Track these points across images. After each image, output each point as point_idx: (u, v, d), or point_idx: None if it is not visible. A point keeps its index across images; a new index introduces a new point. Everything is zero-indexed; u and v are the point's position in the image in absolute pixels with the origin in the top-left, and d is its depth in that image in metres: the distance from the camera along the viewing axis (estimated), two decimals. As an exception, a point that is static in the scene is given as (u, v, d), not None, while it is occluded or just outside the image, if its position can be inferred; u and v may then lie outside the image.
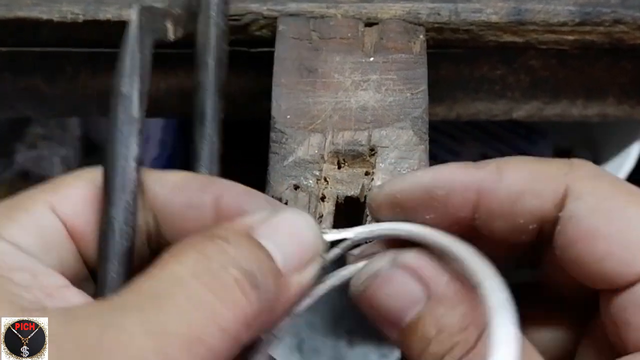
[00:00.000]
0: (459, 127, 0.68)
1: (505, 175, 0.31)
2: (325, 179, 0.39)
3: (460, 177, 0.31)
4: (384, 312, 0.31)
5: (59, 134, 0.71)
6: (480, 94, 0.51)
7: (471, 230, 0.32)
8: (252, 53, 0.49)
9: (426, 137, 0.40)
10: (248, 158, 0.63)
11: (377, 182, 0.39)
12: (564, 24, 0.47)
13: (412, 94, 0.42)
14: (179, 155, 0.64)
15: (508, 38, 0.47)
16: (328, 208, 0.38)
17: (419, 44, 0.44)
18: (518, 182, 0.31)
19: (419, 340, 0.30)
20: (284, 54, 0.44)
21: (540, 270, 0.34)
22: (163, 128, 0.66)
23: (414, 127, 0.41)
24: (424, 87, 0.42)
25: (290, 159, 0.40)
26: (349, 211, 0.39)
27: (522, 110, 0.52)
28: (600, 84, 0.51)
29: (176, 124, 0.65)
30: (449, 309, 0.30)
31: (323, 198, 0.38)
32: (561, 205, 0.31)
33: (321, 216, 0.38)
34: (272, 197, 0.38)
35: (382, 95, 0.42)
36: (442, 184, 0.31)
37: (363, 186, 0.39)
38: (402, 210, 0.32)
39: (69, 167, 0.70)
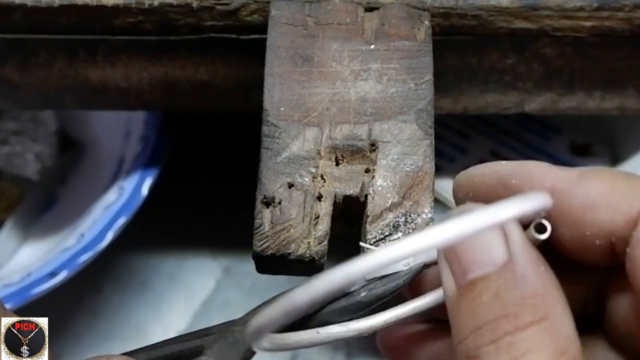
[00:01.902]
0: (466, 121, 0.68)
1: (585, 182, 0.31)
2: (322, 177, 0.39)
3: (539, 171, 0.32)
4: (455, 257, 0.31)
5: (32, 128, 0.71)
6: (490, 85, 0.51)
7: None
8: (242, 40, 0.48)
9: (431, 131, 0.40)
10: (239, 153, 0.63)
11: (379, 180, 0.39)
12: (581, 8, 0.47)
13: (416, 84, 0.42)
14: (162, 152, 0.64)
15: (520, 24, 0.47)
16: (325, 208, 0.38)
17: (423, 30, 0.44)
18: (595, 192, 0.31)
19: (469, 300, 0.30)
20: (277, 41, 0.44)
21: (609, 313, 0.34)
22: (145, 122, 0.66)
23: (418, 121, 0.40)
24: (429, 77, 0.42)
25: (284, 154, 0.39)
26: (348, 211, 0.39)
27: (535, 103, 0.52)
28: (620, 74, 0.50)
29: (160, 118, 0.65)
30: (519, 283, 0.30)
31: (320, 197, 0.38)
32: (634, 223, 0.30)
33: (317, 217, 0.38)
34: (264, 197, 0.38)
35: (384, 86, 0.42)
36: (519, 174, 0.32)
37: (363, 184, 0.39)
38: (475, 194, 0.33)
39: (44, 164, 0.69)
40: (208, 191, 0.71)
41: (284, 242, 0.37)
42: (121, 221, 0.60)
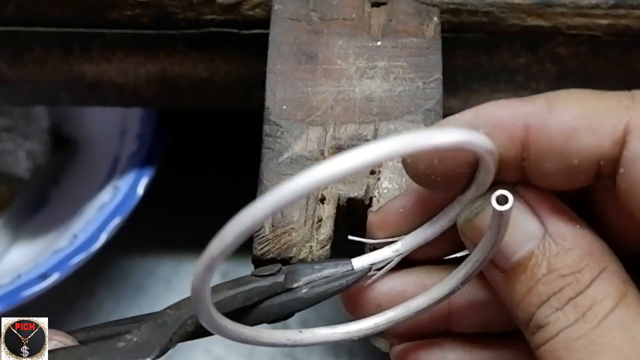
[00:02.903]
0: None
1: (556, 109, 0.31)
2: (325, 178, 0.39)
3: (505, 112, 0.31)
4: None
5: (24, 125, 0.71)
6: (501, 85, 0.51)
7: (520, 180, 0.32)
8: (243, 35, 0.48)
9: (440, 132, 0.40)
10: (239, 153, 0.63)
11: (384, 182, 0.39)
12: (596, 6, 0.47)
13: (424, 83, 0.42)
14: (159, 150, 0.64)
15: (533, 22, 0.47)
16: (328, 211, 0.38)
17: (432, 27, 0.44)
18: (572, 117, 0.30)
19: (525, 280, 0.31)
20: (280, 37, 0.44)
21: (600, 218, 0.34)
22: (142, 120, 0.66)
23: (426, 121, 0.40)
24: (437, 75, 0.42)
25: (286, 155, 0.39)
26: (352, 214, 0.39)
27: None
28: (637, 75, 0.50)
29: (156, 116, 0.65)
30: (565, 248, 0.31)
31: (322, 200, 0.38)
32: (622, 143, 0.30)
33: (320, 220, 0.38)
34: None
35: (391, 85, 0.42)
36: (484, 120, 0.31)
37: (368, 186, 0.39)
38: (441, 160, 0.32)
39: (36, 163, 0.69)
40: (206, 192, 0.71)
41: (285, 246, 0.37)
42: (115, 222, 0.60)
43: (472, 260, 0.32)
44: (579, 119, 0.30)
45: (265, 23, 0.45)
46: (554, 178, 0.31)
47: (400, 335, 0.36)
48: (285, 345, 0.34)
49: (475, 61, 0.50)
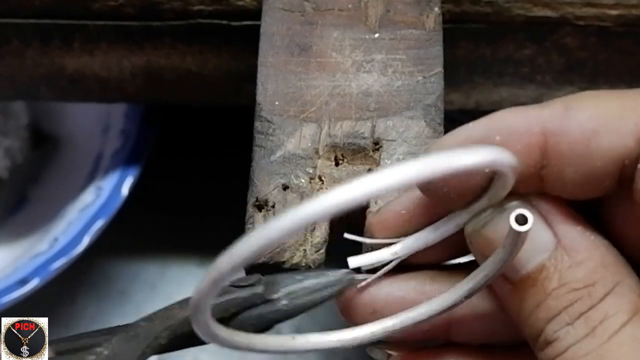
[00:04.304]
0: (479, 118, 0.68)
1: (574, 112, 0.31)
2: (320, 178, 0.39)
3: (520, 119, 0.31)
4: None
5: (1, 121, 0.71)
6: (505, 78, 0.51)
7: (540, 188, 0.32)
8: (233, 27, 0.48)
9: (441, 128, 0.40)
10: (228, 151, 0.63)
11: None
12: (606, -5, 0.47)
13: (424, 77, 0.42)
14: (144, 148, 0.64)
15: (539, 12, 0.47)
16: (323, 212, 0.38)
17: (432, 17, 0.44)
18: (591, 119, 0.31)
19: (534, 294, 0.31)
20: (272, 28, 0.44)
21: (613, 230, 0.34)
22: (126, 115, 0.66)
23: (426, 117, 0.40)
24: (438, 69, 0.42)
25: (279, 153, 0.40)
26: (349, 216, 0.39)
27: (555, 98, 0.52)
28: (648, 67, 0.51)
29: (141, 111, 0.65)
30: (578, 260, 0.31)
31: (317, 200, 0.38)
32: None
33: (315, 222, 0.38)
34: (256, 199, 0.38)
35: (389, 79, 0.42)
36: (500, 128, 0.31)
37: (365, 186, 0.39)
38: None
39: (14, 161, 0.69)
40: (194, 192, 0.71)
41: (278, 250, 0.37)
42: (98, 224, 0.60)
43: (480, 275, 0.32)
44: (598, 120, 0.31)
45: (256, 14, 0.45)
46: (575, 185, 0.31)
47: (398, 345, 0.36)
48: (277, 352, 0.34)
49: (478, 53, 0.50)
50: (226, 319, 0.34)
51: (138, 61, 0.51)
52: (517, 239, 0.29)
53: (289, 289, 0.35)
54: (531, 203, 0.32)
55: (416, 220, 0.35)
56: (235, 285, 0.35)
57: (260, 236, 0.26)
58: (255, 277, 0.35)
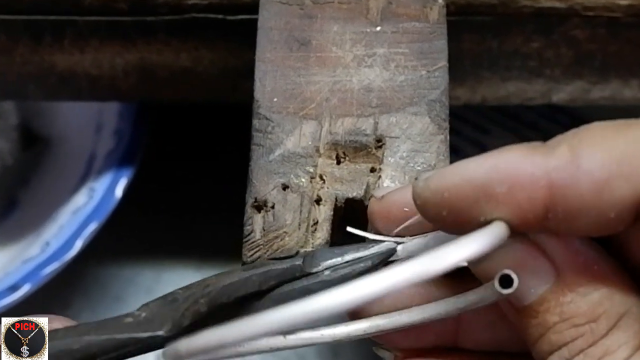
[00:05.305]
0: (485, 113, 0.68)
1: (583, 159, 0.30)
2: (321, 177, 0.39)
3: (524, 168, 0.30)
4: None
5: (-10, 122, 0.71)
6: (512, 72, 0.51)
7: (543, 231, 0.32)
8: (229, 21, 0.48)
9: (446, 124, 0.40)
10: (226, 150, 0.63)
11: (386, 180, 0.39)
12: (616, -15, 0.47)
13: (428, 71, 0.42)
14: (138, 148, 0.64)
15: (547, 3, 0.47)
16: (324, 213, 0.38)
17: (436, 9, 0.44)
18: (602, 168, 0.29)
19: (537, 325, 0.31)
20: (270, 22, 0.44)
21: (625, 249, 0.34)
22: (119, 114, 0.66)
23: (430, 113, 0.40)
24: (442, 63, 0.42)
25: (278, 152, 0.40)
26: (351, 216, 0.39)
27: (564, 93, 0.52)
28: (660, 60, 0.51)
29: (135, 110, 0.65)
30: (579, 295, 0.31)
31: (318, 200, 0.38)
32: None
33: (316, 223, 0.38)
34: (255, 200, 0.38)
35: (391, 74, 0.42)
36: (501, 178, 0.30)
37: (368, 185, 0.39)
38: (451, 211, 0.31)
39: (4, 162, 0.69)
40: (191, 193, 0.71)
41: (278, 252, 0.38)
42: (91, 227, 0.60)
43: (472, 298, 0.33)
44: (610, 168, 0.29)
45: (253, 7, 0.45)
46: (583, 233, 0.31)
47: (405, 349, 0.36)
48: (269, 351, 0.34)
49: (484, 46, 0.50)
50: (265, 291, 0.35)
51: (131, 58, 0.51)
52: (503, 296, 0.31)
53: (328, 263, 0.36)
54: (532, 237, 0.32)
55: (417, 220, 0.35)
56: (274, 258, 0.35)
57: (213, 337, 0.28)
58: (293, 250, 0.36)
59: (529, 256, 0.31)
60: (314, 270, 0.35)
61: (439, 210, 0.31)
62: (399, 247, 0.35)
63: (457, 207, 0.31)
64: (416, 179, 0.34)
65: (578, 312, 0.30)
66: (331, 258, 0.36)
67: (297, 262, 0.35)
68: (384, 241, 0.36)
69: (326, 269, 0.35)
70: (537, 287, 0.31)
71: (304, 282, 0.35)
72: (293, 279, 0.35)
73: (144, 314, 0.33)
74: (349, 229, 0.37)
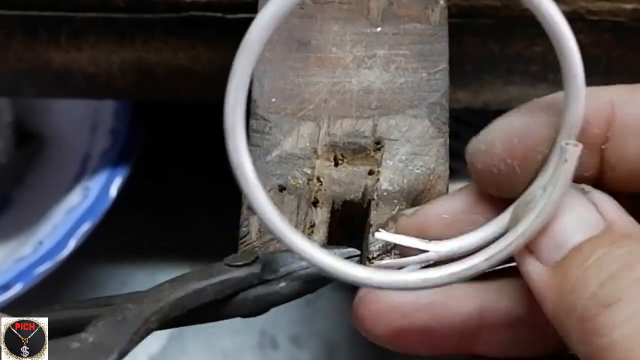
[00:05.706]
0: (487, 118, 0.68)
1: (637, 88, 0.34)
2: (318, 179, 0.39)
3: (590, 90, 0.33)
4: (540, 239, 0.32)
5: (-16, 119, 0.71)
6: (515, 76, 0.51)
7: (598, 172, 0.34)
8: (228, 20, 0.48)
9: (446, 128, 0.40)
10: (222, 150, 0.62)
11: (384, 183, 0.39)
12: (621, -11, 0.47)
13: (428, 74, 0.42)
14: (134, 147, 0.64)
15: (550, 6, 0.47)
16: (322, 215, 0.38)
17: (438, 11, 0.44)
18: None
19: (579, 263, 0.31)
20: (269, 22, 0.44)
21: None
22: (115, 114, 0.66)
23: (430, 116, 0.40)
24: (443, 65, 0.42)
25: (275, 153, 0.39)
26: (348, 219, 0.39)
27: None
28: (666, 65, 0.51)
29: (131, 108, 0.65)
30: (618, 246, 0.31)
31: (315, 202, 0.38)
32: None
33: (312, 225, 0.38)
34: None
35: (391, 75, 0.42)
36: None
37: (366, 188, 0.39)
38: (511, 155, 0.35)
39: (-3, 160, 0.70)
40: (186, 193, 0.71)
41: (268, 254, 0.37)
42: (85, 227, 0.60)
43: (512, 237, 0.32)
44: None
45: (252, 6, 0.45)
46: (635, 162, 0.33)
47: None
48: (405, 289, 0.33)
49: (486, 50, 0.50)
50: (221, 301, 0.34)
51: (128, 56, 0.51)
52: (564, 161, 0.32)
53: (287, 268, 0.35)
54: (583, 190, 0.33)
55: (460, 226, 0.35)
56: (232, 265, 0.35)
57: None
58: (252, 255, 0.35)
59: (581, 205, 0.32)
60: (272, 277, 0.35)
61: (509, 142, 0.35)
62: (432, 250, 0.35)
63: (516, 154, 0.34)
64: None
65: (628, 250, 0.31)
66: (291, 263, 0.35)
67: (255, 270, 0.35)
68: (382, 240, 0.36)
69: (284, 275, 0.35)
70: (586, 231, 0.32)
71: (257, 291, 0.35)
72: (250, 287, 0.35)
73: (91, 339, 0.32)
74: (377, 235, 0.37)
